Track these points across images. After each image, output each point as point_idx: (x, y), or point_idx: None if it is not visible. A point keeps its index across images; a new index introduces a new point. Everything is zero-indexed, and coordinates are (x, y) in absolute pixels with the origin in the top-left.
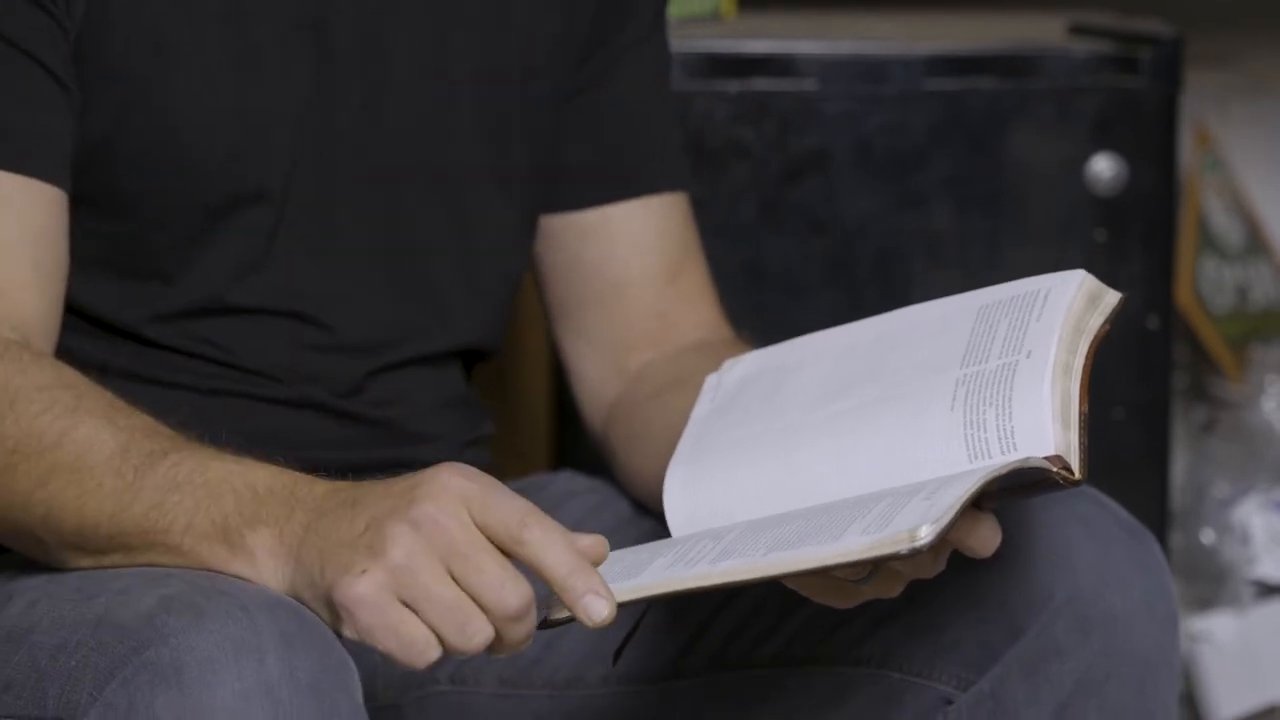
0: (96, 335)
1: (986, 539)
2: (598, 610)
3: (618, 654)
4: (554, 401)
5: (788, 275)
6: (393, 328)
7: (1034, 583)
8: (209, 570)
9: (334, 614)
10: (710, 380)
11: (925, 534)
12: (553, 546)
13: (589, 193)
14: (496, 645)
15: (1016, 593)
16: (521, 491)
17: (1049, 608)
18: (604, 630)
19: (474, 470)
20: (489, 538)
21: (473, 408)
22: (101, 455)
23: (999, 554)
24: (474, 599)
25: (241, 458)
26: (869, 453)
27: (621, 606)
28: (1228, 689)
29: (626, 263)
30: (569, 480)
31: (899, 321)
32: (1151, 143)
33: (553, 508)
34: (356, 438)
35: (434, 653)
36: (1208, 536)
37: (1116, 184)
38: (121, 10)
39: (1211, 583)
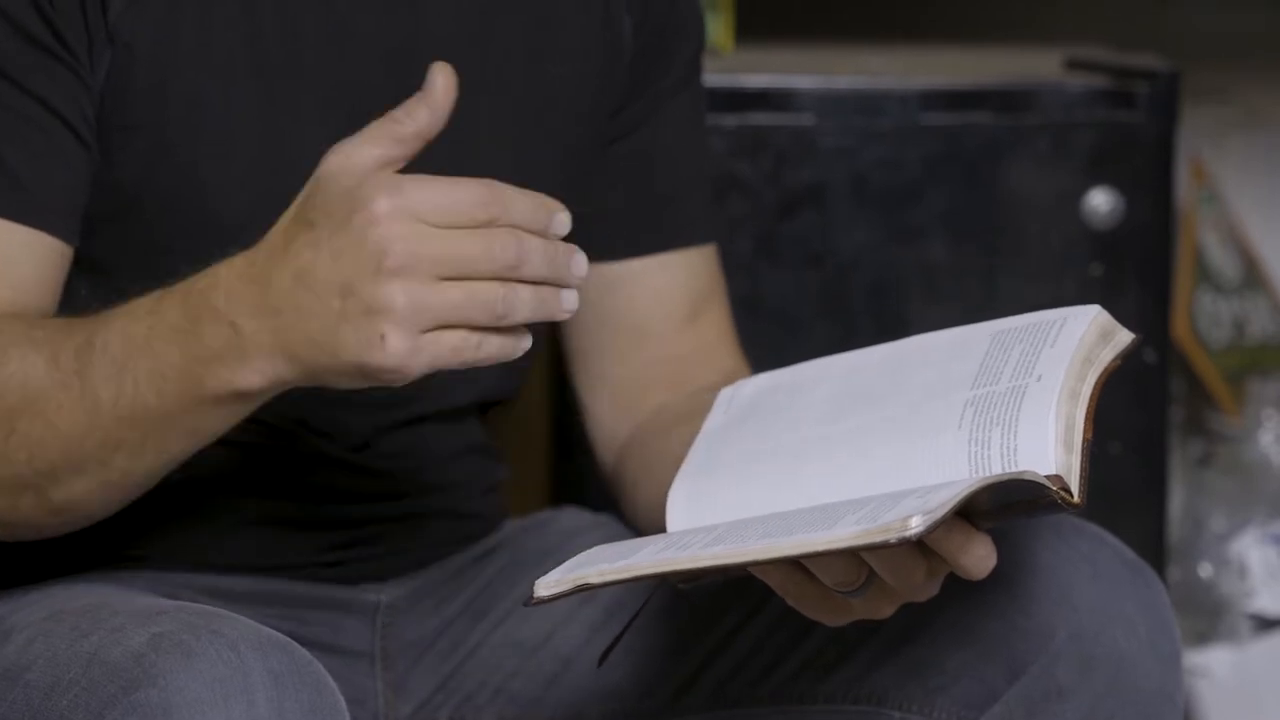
0: None
1: (981, 559)
2: (563, 222)
3: (604, 657)
4: (553, 439)
5: (783, 308)
6: (414, 385)
7: (1036, 620)
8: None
9: (374, 377)
10: (724, 394)
11: (916, 524)
12: (522, 199)
13: (621, 245)
14: (543, 303)
15: (1018, 631)
16: (527, 529)
17: (1051, 646)
18: (607, 669)
19: (394, 181)
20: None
21: (488, 454)
22: (39, 377)
23: (1000, 591)
24: (479, 275)
25: (150, 299)
26: (874, 467)
27: (613, 585)
28: None
29: (649, 312)
30: (574, 517)
31: (916, 345)
32: (1148, 177)
33: (560, 543)
34: (369, 489)
35: (492, 341)
36: (1205, 570)
37: (1113, 218)
38: (145, 68)
39: (1209, 617)
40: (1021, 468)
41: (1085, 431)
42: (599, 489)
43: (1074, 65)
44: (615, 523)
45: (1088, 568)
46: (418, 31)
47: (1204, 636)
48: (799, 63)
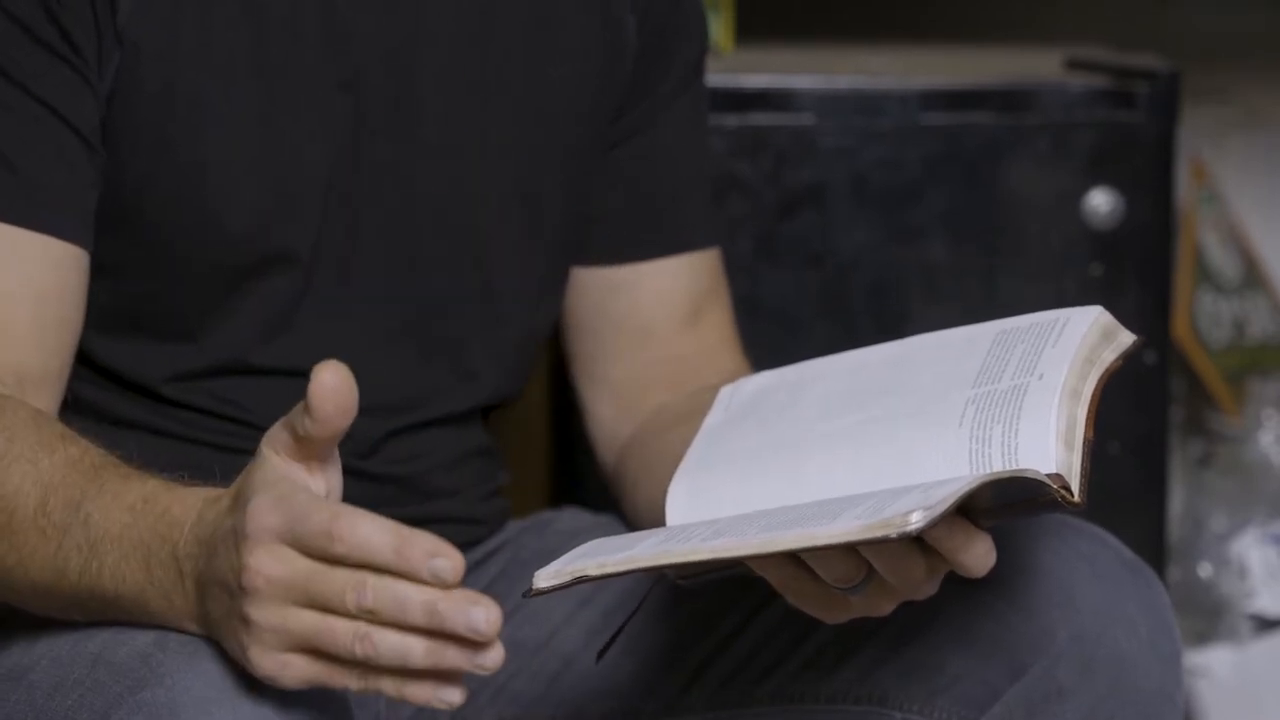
0: (114, 390)
1: (981, 557)
2: (443, 569)
3: (601, 653)
4: (553, 440)
5: (783, 309)
6: (418, 389)
7: (1037, 621)
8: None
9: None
10: (725, 391)
11: (917, 519)
12: (369, 534)
13: (624, 249)
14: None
15: (1019, 631)
16: (527, 530)
17: (1052, 647)
18: (608, 669)
19: (275, 495)
20: (312, 556)
21: (491, 457)
22: (27, 514)
23: (1001, 592)
24: (341, 614)
25: (142, 503)
26: (875, 464)
27: (613, 577)
28: None
29: (651, 313)
30: (574, 517)
31: (919, 344)
32: (1148, 177)
33: (560, 543)
34: (375, 496)
35: (353, 681)
36: (1205, 570)
37: (1113, 218)
38: (151, 68)
39: (1209, 617)
40: (1022, 465)
41: (1087, 431)
42: (599, 489)
43: (1074, 65)
44: (616, 523)
45: (1088, 568)
46: (418, 31)
47: (1204, 636)
48: (799, 63)
